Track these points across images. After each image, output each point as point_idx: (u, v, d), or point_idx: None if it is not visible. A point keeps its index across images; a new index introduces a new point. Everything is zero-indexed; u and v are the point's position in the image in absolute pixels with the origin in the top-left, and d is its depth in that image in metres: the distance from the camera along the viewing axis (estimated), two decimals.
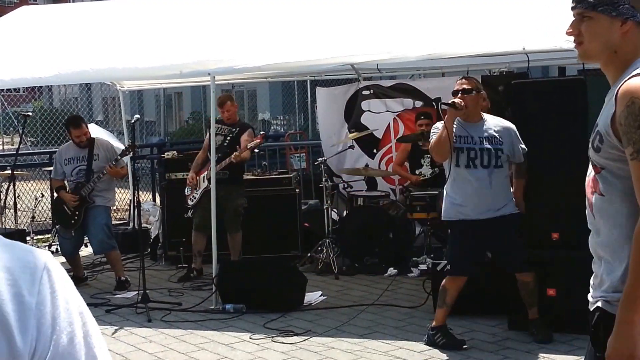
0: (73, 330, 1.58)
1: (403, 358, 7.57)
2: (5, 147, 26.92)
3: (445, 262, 8.54)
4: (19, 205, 13.66)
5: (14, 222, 13.46)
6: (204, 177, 10.85)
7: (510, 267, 7.90)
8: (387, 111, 12.64)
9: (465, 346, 7.77)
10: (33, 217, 13.37)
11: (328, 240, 10.99)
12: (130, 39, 10.82)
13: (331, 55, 9.63)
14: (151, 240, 12.66)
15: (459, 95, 7.76)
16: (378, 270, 10.82)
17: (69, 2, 40.18)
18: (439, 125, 7.82)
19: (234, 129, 10.90)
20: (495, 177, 7.79)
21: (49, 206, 14.50)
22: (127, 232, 13.17)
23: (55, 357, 1.55)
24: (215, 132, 10.77)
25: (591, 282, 3.44)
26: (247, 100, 33.66)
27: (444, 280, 7.94)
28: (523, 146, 7.92)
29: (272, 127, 30.27)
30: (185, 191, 11.13)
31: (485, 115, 7.99)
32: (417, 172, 11.41)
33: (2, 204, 12.57)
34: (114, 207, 14.02)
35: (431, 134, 8.00)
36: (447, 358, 7.54)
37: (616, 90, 3.17)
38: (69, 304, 1.60)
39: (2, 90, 24.33)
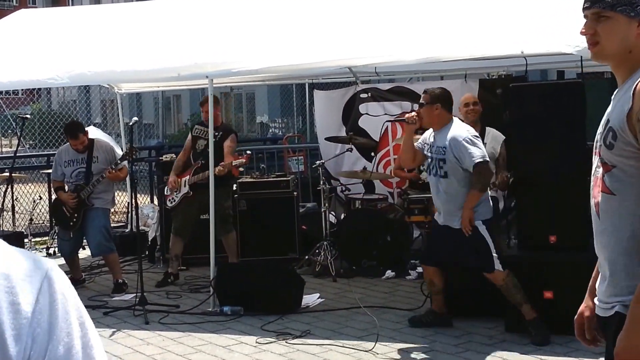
0: (71, 341, 1.57)
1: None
2: (4, 149, 26.95)
3: None
4: (17, 208, 13.66)
5: (11, 224, 13.46)
6: (185, 181, 10.86)
7: (476, 269, 8.08)
8: (385, 114, 12.64)
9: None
10: (31, 219, 13.36)
11: (326, 243, 10.99)
12: (129, 41, 10.84)
13: (329, 58, 9.63)
14: (149, 243, 12.66)
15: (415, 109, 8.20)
16: (376, 272, 10.84)
17: (68, 5, 40.24)
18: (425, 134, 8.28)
19: (217, 133, 10.87)
20: (442, 186, 8.04)
21: (47, 209, 14.49)
22: (125, 234, 13.20)
23: None
24: (197, 134, 10.82)
25: (597, 285, 3.41)
26: (245, 103, 33.69)
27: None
28: (474, 157, 7.85)
29: (270, 130, 30.31)
30: (165, 191, 11.17)
31: (452, 127, 8.07)
32: (413, 179, 11.42)
33: (0, 207, 12.56)
34: (112, 210, 14.05)
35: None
36: None
37: (634, 86, 3.14)
38: (68, 314, 1.59)
39: (1, 92, 24.37)
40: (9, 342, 1.50)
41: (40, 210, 14.59)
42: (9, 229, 13.23)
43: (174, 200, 10.99)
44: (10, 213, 13.21)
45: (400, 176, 11.73)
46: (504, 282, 7.89)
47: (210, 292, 9.66)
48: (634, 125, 3.10)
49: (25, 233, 13.15)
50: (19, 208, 14.22)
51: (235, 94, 33.52)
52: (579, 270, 7.66)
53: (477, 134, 8.21)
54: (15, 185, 13.62)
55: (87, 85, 25.26)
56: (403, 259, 11.06)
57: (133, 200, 10.39)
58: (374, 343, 8.01)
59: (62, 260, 10.91)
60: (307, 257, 11.27)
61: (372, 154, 12.73)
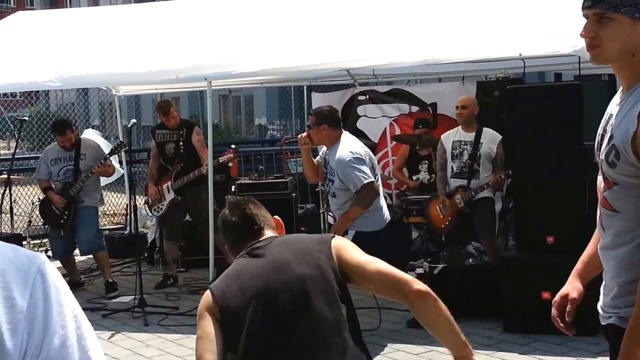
0: (66, 333, 1.58)
1: None
2: (2, 151, 26.88)
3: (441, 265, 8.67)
4: (15, 210, 13.66)
5: (10, 226, 13.47)
6: (167, 187, 10.88)
7: None
8: (384, 116, 12.66)
9: None
10: (29, 221, 13.36)
11: None
12: (127, 44, 10.85)
13: (327, 60, 9.66)
14: (148, 245, 12.67)
15: (307, 129, 8.43)
16: None
17: (66, 7, 40.20)
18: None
19: (180, 132, 10.92)
20: (333, 203, 8.31)
21: None
22: (124, 236, 13.21)
23: (46, 359, 1.55)
24: (162, 139, 10.86)
25: (601, 290, 3.41)
26: (243, 105, 33.68)
27: None
28: (360, 180, 7.97)
29: (268, 132, 30.30)
30: (146, 201, 11.21)
31: (340, 146, 8.17)
32: (414, 177, 11.42)
33: None
34: (111, 212, 14.05)
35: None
36: None
37: (639, 109, 3.06)
38: (62, 307, 1.60)
39: None
40: (6, 337, 1.51)
41: (38, 213, 14.60)
42: (8, 231, 13.23)
43: (161, 209, 11.02)
44: (8, 215, 13.22)
45: (399, 178, 11.74)
46: None
47: None
48: (637, 148, 3.04)
49: (23, 235, 13.16)
50: (17, 210, 14.23)
51: (234, 96, 33.52)
52: None
53: (361, 153, 8.20)
54: (13, 188, 13.63)
55: (86, 88, 25.26)
56: (402, 260, 11.06)
57: (132, 202, 10.40)
58: (373, 344, 8.02)
59: (58, 263, 10.90)
60: None
61: None
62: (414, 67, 11.89)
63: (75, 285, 10.62)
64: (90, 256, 11.24)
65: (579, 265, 3.63)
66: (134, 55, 10.45)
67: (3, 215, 12.89)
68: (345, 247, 4.10)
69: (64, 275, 10.58)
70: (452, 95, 11.44)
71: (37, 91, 31.50)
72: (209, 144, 10.24)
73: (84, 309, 1.66)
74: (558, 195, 8.09)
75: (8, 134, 27.27)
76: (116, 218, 15.61)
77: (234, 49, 9.99)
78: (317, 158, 8.59)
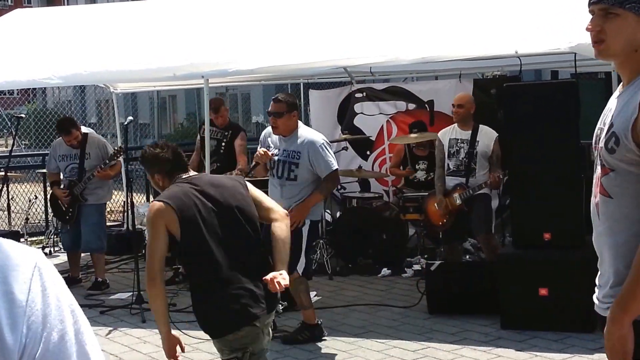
0: (64, 327, 1.59)
1: (397, 357, 7.62)
2: None
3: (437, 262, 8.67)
4: (12, 207, 13.68)
5: (7, 223, 13.49)
6: None
7: None
8: (380, 113, 12.68)
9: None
10: (27, 218, 13.39)
11: (322, 241, 11.02)
12: (124, 41, 10.85)
13: (324, 58, 9.65)
14: (145, 242, 12.66)
15: (271, 118, 8.30)
16: (372, 270, 10.87)
17: (63, 4, 40.21)
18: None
19: (226, 132, 10.97)
20: (287, 189, 8.17)
21: (43, 208, 14.54)
22: (121, 233, 13.21)
23: (45, 354, 1.55)
24: (208, 135, 10.87)
25: (597, 281, 3.43)
26: (240, 103, 33.67)
27: None
28: (330, 164, 8.09)
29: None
30: None
31: (302, 132, 8.26)
32: (411, 177, 11.45)
33: None
34: (108, 209, 14.04)
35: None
36: (440, 356, 7.58)
37: None
38: (60, 301, 1.60)
39: None
40: (5, 331, 1.51)
41: (36, 210, 14.62)
42: (5, 228, 13.26)
43: None
44: (6, 212, 13.24)
45: (396, 174, 11.77)
46: (293, 284, 7.37)
47: None
48: (638, 135, 3.08)
49: (21, 232, 13.18)
50: (15, 207, 14.25)
51: (231, 94, 33.50)
52: (574, 267, 7.77)
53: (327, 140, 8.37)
54: (10, 185, 13.64)
55: (83, 85, 25.25)
56: (399, 257, 11.09)
57: (129, 199, 10.42)
58: (370, 340, 8.06)
59: (57, 260, 10.94)
60: None
61: (368, 152, 12.77)
62: (411, 65, 11.90)
63: (73, 282, 10.66)
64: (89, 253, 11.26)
65: None
66: (131, 53, 10.45)
67: (0, 212, 12.90)
68: (252, 186, 5.44)
69: (65, 271, 10.70)
70: (449, 92, 11.47)
71: (35, 89, 31.46)
72: (206, 141, 10.25)
73: (81, 306, 1.68)
74: (554, 192, 8.12)
75: (5, 131, 27.30)
76: (113, 215, 15.61)
77: (231, 46, 9.99)
78: (260, 148, 8.46)
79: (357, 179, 12.36)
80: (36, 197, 14.34)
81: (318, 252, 11.01)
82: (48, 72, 10.48)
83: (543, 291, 7.97)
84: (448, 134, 9.98)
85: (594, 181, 3.36)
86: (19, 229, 13.54)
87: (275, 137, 8.38)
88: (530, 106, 8.28)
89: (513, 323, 8.15)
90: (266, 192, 6.30)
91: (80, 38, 11.28)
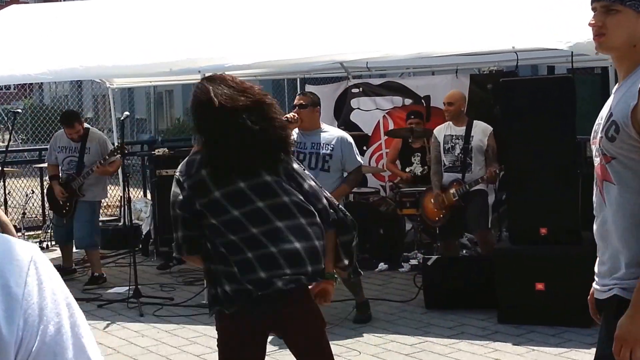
0: (60, 321, 1.59)
1: (394, 351, 7.64)
2: None
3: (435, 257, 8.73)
4: (9, 202, 13.69)
5: None
6: None
7: None
8: (377, 109, 12.69)
9: None
10: (24, 213, 13.41)
11: None
12: (121, 36, 10.84)
13: (321, 53, 9.67)
14: (143, 237, 12.70)
15: (295, 110, 8.61)
16: (369, 265, 10.88)
17: (60, 0, 40.14)
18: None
19: None
20: (320, 180, 8.23)
21: (40, 203, 14.56)
22: (118, 228, 13.22)
23: (42, 347, 1.56)
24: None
25: (596, 269, 3.49)
26: None
27: None
28: (359, 157, 8.78)
29: None
30: None
31: (327, 127, 8.94)
32: (407, 169, 11.45)
33: None
34: (105, 204, 14.06)
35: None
36: (437, 351, 7.61)
37: None
38: (56, 295, 1.61)
39: None
40: (2, 324, 1.52)
41: (33, 205, 14.64)
42: None
43: None
44: (2, 207, 13.23)
45: (392, 170, 11.78)
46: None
47: (204, 284, 9.69)
48: (638, 122, 3.18)
49: (18, 227, 13.18)
50: (12, 202, 14.26)
51: None
52: (570, 262, 7.79)
53: None
54: (7, 180, 13.65)
55: (79, 80, 25.22)
56: (396, 252, 11.11)
57: (125, 195, 10.44)
58: (367, 334, 8.09)
59: (53, 254, 10.95)
60: None
61: (364, 147, 12.77)
62: (407, 60, 11.92)
63: (66, 272, 10.71)
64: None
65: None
66: (127, 48, 10.45)
67: None
68: None
69: (58, 262, 10.72)
70: (446, 88, 11.47)
71: (31, 83, 31.43)
72: None
73: (79, 299, 1.70)
74: (551, 187, 8.13)
75: (1, 126, 27.28)
76: (110, 210, 15.63)
77: (228, 41, 10.00)
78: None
79: None
80: (33, 192, 14.35)
81: None
82: (44, 67, 10.48)
83: (540, 286, 7.99)
84: (443, 130, 9.99)
85: (595, 172, 3.44)
86: (16, 224, 13.52)
87: (297, 134, 8.58)
88: (527, 101, 8.30)
89: (510, 318, 8.17)
90: None
91: (76, 33, 11.27)
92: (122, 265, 11.64)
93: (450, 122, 9.91)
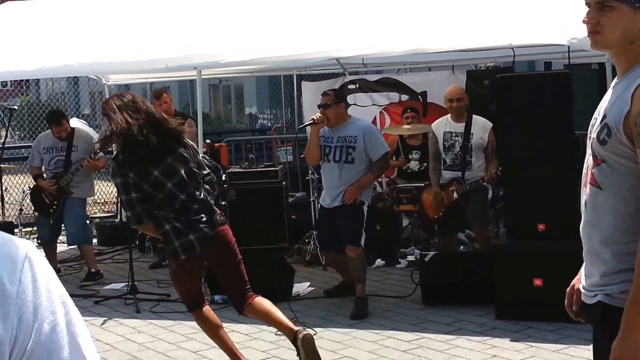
0: (55, 319, 1.58)
1: (391, 347, 7.64)
2: None
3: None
4: (6, 198, 13.68)
5: (1, 214, 13.48)
6: None
7: (344, 241, 8.84)
8: (374, 105, 12.66)
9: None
10: (20, 209, 13.38)
11: (315, 232, 11.02)
12: (116, 32, 10.82)
13: (317, 49, 9.66)
14: (139, 233, 12.68)
15: (320, 110, 9.06)
16: (366, 261, 10.87)
17: None
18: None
19: None
20: (345, 172, 8.91)
21: None
22: (115, 224, 13.23)
23: (37, 345, 1.55)
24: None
25: (583, 271, 3.45)
26: (234, 95, 33.67)
27: None
28: (384, 146, 9.10)
29: (259, 121, 30.31)
30: None
31: (353, 120, 9.24)
32: (403, 168, 11.44)
33: None
34: (102, 200, 14.06)
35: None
36: (434, 347, 7.60)
37: (633, 89, 3.12)
38: (51, 292, 1.59)
39: None
40: None
41: (29, 201, 14.62)
42: None
43: None
44: None
45: (390, 165, 11.76)
46: (357, 257, 8.79)
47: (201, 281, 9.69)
48: (630, 128, 3.10)
49: (15, 223, 13.18)
50: (9, 198, 14.25)
51: (224, 86, 33.51)
52: (568, 257, 7.73)
53: None
54: (4, 176, 13.64)
55: (76, 77, 25.19)
56: (393, 248, 11.11)
57: None
58: (364, 331, 8.08)
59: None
60: (296, 246, 11.33)
61: None
62: (403, 56, 11.88)
63: None
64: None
65: None
66: (123, 44, 10.43)
67: None
68: None
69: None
70: (442, 84, 11.46)
71: (28, 80, 31.38)
72: (199, 133, 10.25)
73: (75, 296, 1.70)
74: (548, 183, 8.12)
75: None
76: (107, 206, 15.63)
77: (224, 38, 9.98)
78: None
79: None
80: (30, 189, 14.32)
81: (312, 243, 11.03)
82: (40, 64, 10.47)
83: (538, 282, 7.98)
84: (442, 126, 9.96)
85: (584, 171, 3.38)
86: (13, 220, 13.55)
87: (325, 130, 9.10)
88: (524, 97, 8.29)
89: (508, 314, 8.16)
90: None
91: (72, 30, 11.25)
92: (118, 262, 11.64)
93: (450, 117, 9.88)
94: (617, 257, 3.21)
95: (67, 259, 11.98)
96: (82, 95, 29.99)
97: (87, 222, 11.52)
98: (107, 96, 14.72)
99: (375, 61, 12.99)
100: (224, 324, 8.39)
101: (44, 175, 11.05)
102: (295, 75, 15.56)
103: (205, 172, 6.68)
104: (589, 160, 3.33)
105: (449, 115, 9.92)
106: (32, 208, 11.79)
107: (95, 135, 11.82)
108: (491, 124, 9.73)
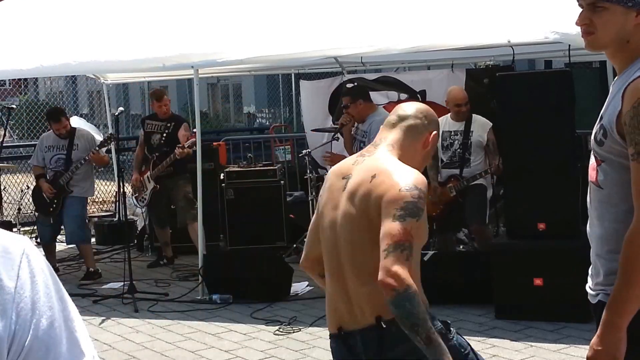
0: (53, 314, 1.58)
1: None
2: None
3: None
4: (5, 197, 13.68)
5: (0, 213, 13.48)
6: (148, 177, 11.07)
7: None
8: None
9: None
10: (19, 209, 13.38)
11: None
12: (114, 31, 10.79)
13: (315, 48, 9.64)
14: (137, 232, 12.70)
15: (344, 111, 9.64)
16: None
17: None
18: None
19: (168, 124, 11.06)
20: None
21: None
22: (113, 223, 13.22)
23: (35, 340, 1.54)
24: (150, 129, 10.99)
25: (590, 271, 3.44)
26: (232, 94, 33.67)
27: None
28: None
29: (257, 120, 30.31)
30: (133, 192, 11.31)
31: (372, 114, 9.55)
32: None
33: None
34: (100, 199, 14.04)
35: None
36: None
37: (624, 87, 3.13)
38: (48, 288, 1.60)
39: None
40: None
41: (28, 200, 14.58)
42: None
43: (145, 199, 11.20)
44: None
45: None
46: None
47: (199, 280, 9.68)
48: (621, 127, 3.11)
49: (13, 222, 13.17)
50: (7, 198, 14.25)
51: (222, 85, 33.49)
52: (568, 257, 7.75)
53: None
54: (3, 175, 13.64)
55: (74, 76, 25.19)
56: None
57: (121, 190, 10.42)
58: None
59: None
60: (295, 245, 11.29)
61: None
62: (402, 55, 11.87)
63: None
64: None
65: None
66: (120, 43, 10.40)
67: None
68: None
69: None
70: (441, 82, 11.44)
71: (26, 80, 31.41)
72: (197, 132, 10.23)
73: (74, 295, 1.68)
74: (549, 182, 8.10)
75: None
76: (106, 205, 15.61)
77: (221, 36, 9.95)
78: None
79: None
80: (28, 188, 14.27)
81: None
82: (37, 62, 10.46)
83: (538, 281, 7.96)
84: (441, 126, 9.91)
85: (589, 171, 3.38)
86: (12, 219, 13.54)
87: (356, 126, 9.65)
88: (524, 96, 8.26)
89: (508, 313, 8.14)
90: None
91: (69, 28, 11.21)
92: (117, 261, 11.62)
93: (449, 117, 9.86)
94: (617, 257, 3.19)
95: (65, 258, 11.94)
96: (80, 94, 30.01)
97: (86, 221, 11.44)
98: (105, 95, 14.79)
99: (374, 60, 12.98)
100: (223, 324, 8.43)
101: (47, 175, 11.01)
102: (293, 74, 15.55)
103: None
104: (592, 160, 3.35)
105: (449, 114, 9.89)
106: (31, 207, 11.78)
107: (97, 133, 11.81)
108: (490, 124, 9.71)
